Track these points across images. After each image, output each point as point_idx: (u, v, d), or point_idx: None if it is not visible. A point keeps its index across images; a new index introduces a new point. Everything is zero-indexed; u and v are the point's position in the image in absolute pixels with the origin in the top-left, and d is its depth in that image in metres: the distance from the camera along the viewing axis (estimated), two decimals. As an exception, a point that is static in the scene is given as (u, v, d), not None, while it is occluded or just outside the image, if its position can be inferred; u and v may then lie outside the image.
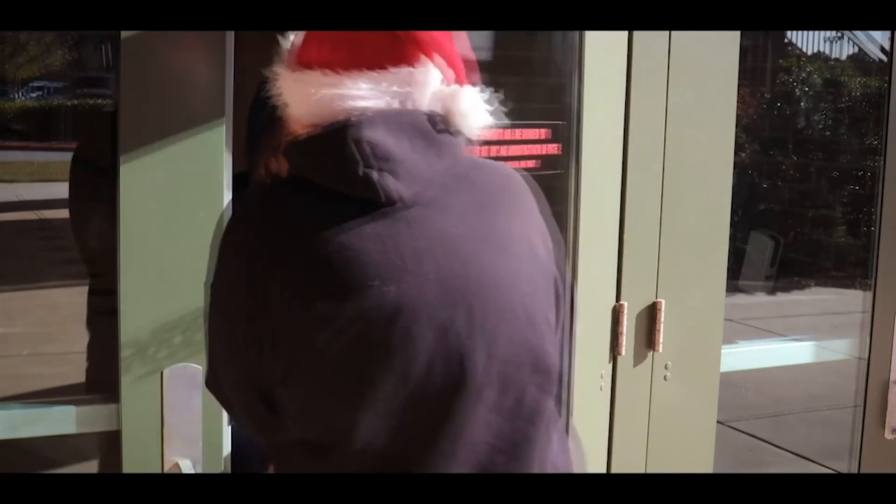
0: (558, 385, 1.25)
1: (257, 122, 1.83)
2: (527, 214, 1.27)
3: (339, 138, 1.17)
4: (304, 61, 1.25)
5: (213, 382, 1.30)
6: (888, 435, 2.40)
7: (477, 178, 1.25)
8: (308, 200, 1.18)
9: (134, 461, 1.68)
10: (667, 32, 2.02)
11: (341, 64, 1.22)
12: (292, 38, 1.32)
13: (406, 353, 1.12)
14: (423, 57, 1.24)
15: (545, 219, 1.30)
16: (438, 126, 1.23)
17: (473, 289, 1.15)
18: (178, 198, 1.67)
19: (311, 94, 1.21)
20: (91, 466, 2.52)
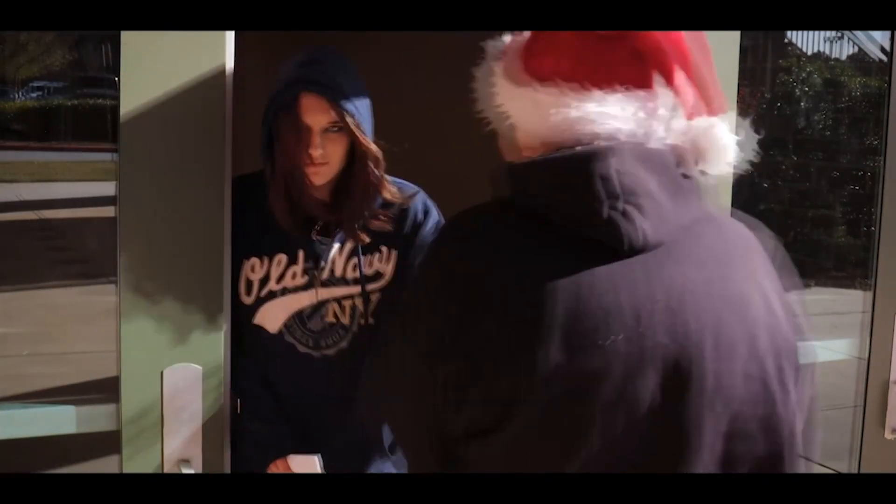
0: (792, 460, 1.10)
1: (267, 123, 1.78)
2: (762, 274, 1.13)
3: (583, 170, 1.04)
4: (531, 73, 1.12)
5: (372, 411, 1.20)
6: (888, 435, 2.40)
7: (709, 231, 1.12)
8: (536, 233, 1.05)
9: (134, 461, 1.68)
10: (667, 32, 2.02)
11: (582, 80, 1.08)
12: (506, 42, 1.20)
13: (627, 411, 1.01)
14: (663, 80, 1.11)
15: (779, 278, 1.16)
16: (681, 167, 1.10)
17: (704, 348, 1.03)
18: (178, 197, 1.67)
19: (550, 112, 1.08)
20: (91, 466, 2.52)
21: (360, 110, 1.78)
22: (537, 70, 1.11)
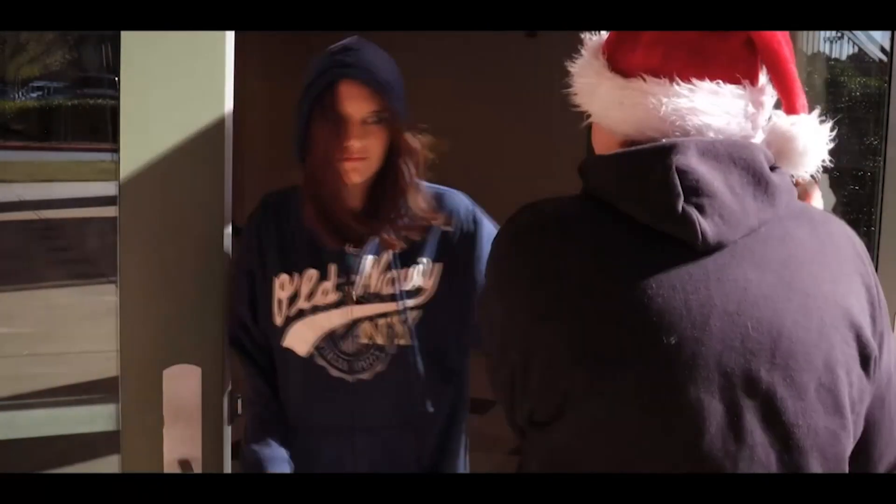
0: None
1: (301, 118, 1.67)
2: (853, 277, 1.09)
3: (661, 163, 1.02)
4: (629, 66, 1.11)
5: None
6: (888, 435, 2.39)
7: (796, 231, 1.08)
8: (607, 226, 1.05)
9: (134, 461, 1.68)
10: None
11: (686, 73, 1.07)
12: (605, 36, 1.18)
13: (682, 416, 1.00)
14: (763, 74, 1.12)
15: (870, 276, 1.12)
16: (771, 165, 1.08)
17: (764, 357, 1.00)
18: (178, 197, 1.67)
19: (661, 103, 1.06)
20: (91, 466, 2.52)
21: (400, 101, 1.65)
22: (645, 62, 1.10)
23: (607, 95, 1.12)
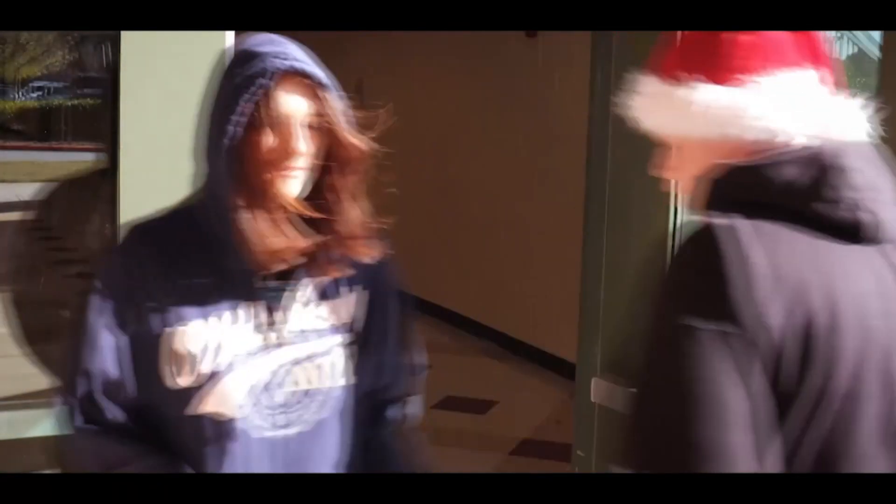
0: None
1: (227, 122, 1.35)
2: None
3: (828, 164, 1.10)
4: (726, 73, 1.13)
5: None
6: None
7: None
8: (791, 225, 1.08)
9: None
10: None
11: (771, 67, 1.13)
12: (647, 79, 1.17)
13: (876, 384, 1.07)
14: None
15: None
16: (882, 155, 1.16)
17: None
18: (178, 198, 1.67)
19: (800, 103, 1.12)
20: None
21: (341, 101, 1.40)
22: (736, 63, 1.12)
23: (726, 105, 1.12)
